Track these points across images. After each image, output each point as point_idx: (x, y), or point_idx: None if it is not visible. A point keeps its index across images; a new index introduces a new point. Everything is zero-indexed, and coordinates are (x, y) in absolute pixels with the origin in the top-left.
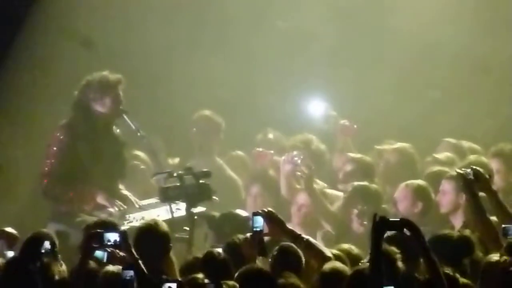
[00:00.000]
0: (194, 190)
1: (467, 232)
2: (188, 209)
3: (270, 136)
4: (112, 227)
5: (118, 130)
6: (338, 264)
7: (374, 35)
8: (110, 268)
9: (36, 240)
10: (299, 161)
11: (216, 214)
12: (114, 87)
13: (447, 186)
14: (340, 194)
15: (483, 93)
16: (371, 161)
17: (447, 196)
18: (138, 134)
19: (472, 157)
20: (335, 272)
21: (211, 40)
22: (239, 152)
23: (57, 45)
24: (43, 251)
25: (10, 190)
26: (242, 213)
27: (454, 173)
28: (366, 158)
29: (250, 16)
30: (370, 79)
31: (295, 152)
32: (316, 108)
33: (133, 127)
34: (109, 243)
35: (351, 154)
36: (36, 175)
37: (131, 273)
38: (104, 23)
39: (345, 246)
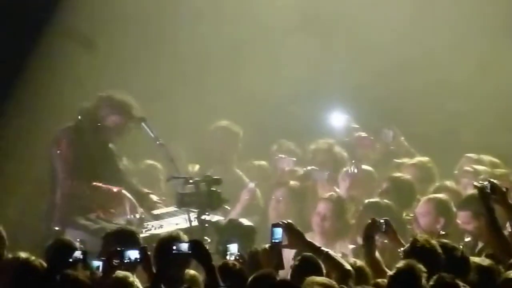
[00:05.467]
0: (205, 198)
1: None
2: (199, 216)
3: (285, 146)
4: (131, 237)
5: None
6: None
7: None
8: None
9: (66, 248)
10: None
11: (223, 221)
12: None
13: (464, 216)
14: None
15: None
16: (410, 180)
17: (469, 225)
18: (157, 142)
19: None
20: None
21: (231, 47)
22: (258, 162)
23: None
24: (71, 260)
25: (10, 192)
26: (246, 222)
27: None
28: (405, 177)
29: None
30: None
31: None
32: (337, 120)
33: (152, 135)
34: (129, 261)
35: (394, 174)
36: (35, 178)
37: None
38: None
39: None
